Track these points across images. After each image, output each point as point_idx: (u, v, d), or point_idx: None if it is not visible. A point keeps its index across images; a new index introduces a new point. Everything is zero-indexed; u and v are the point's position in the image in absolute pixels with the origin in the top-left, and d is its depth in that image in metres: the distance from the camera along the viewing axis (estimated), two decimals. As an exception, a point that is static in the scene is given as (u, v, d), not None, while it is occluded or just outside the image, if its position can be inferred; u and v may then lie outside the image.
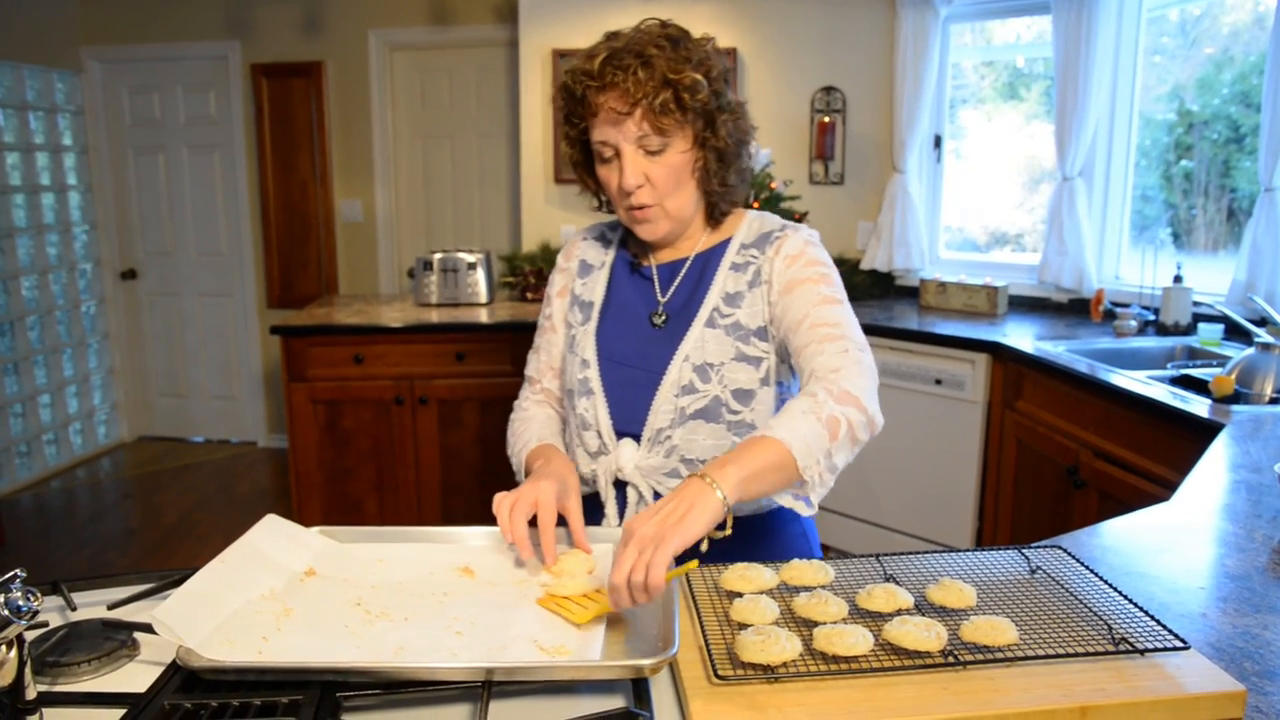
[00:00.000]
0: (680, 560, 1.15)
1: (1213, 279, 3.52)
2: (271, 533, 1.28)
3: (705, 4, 4.39)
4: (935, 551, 1.33)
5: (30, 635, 1.10)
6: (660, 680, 1.06)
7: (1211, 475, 1.83)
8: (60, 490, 5.15)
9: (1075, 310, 3.95)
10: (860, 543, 3.83)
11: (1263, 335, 2.68)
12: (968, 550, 1.33)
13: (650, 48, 1.38)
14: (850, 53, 4.47)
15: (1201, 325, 3.32)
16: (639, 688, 1.00)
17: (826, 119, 4.50)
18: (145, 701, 0.98)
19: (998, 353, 3.40)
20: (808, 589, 1.21)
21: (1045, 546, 1.35)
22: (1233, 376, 2.60)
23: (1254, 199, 3.25)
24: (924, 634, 1.05)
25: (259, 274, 5.61)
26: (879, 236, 4.45)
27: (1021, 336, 3.47)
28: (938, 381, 3.57)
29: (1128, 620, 1.11)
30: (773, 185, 4.01)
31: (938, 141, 4.46)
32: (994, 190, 4.51)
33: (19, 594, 0.90)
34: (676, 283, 1.54)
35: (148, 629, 1.05)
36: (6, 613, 0.87)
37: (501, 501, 1.31)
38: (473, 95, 5.35)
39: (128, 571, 1.33)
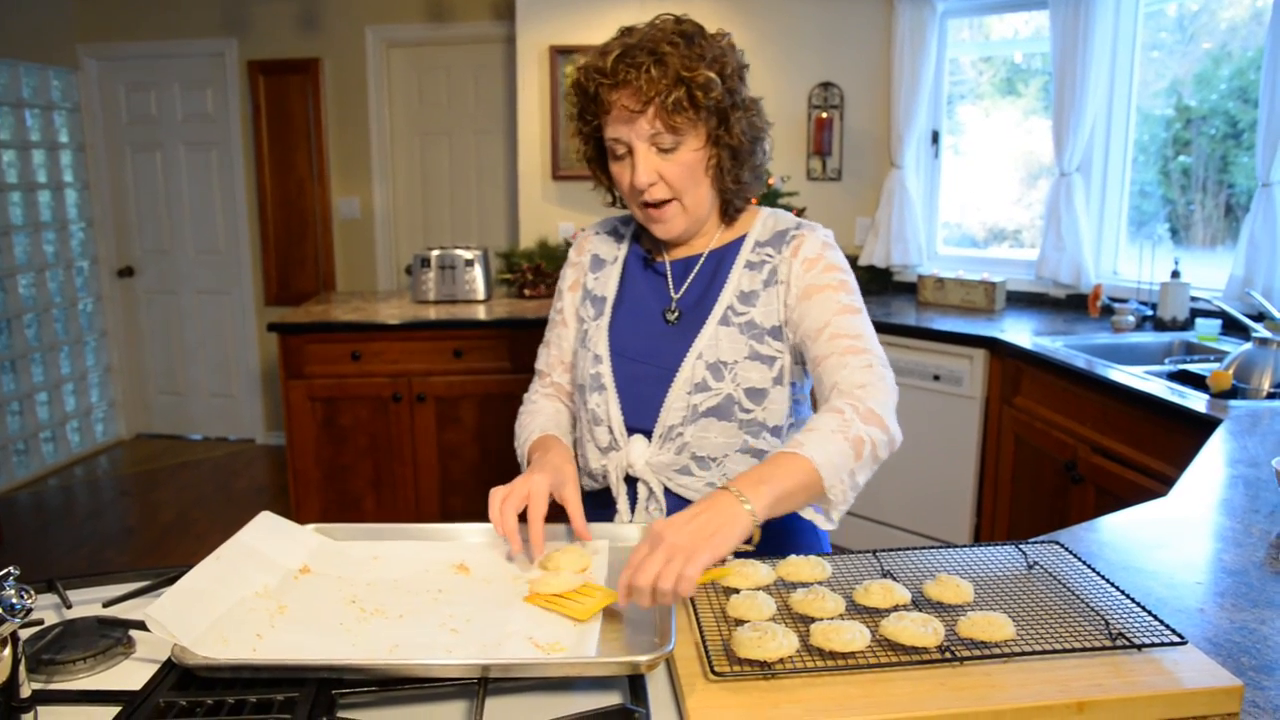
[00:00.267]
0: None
1: (1210, 274, 3.52)
2: (266, 530, 1.28)
3: (703, 0, 4.38)
4: (933, 547, 1.33)
5: (25, 633, 1.10)
6: (657, 676, 1.06)
7: (1209, 470, 1.83)
8: (58, 488, 5.14)
9: (1073, 306, 3.95)
10: (858, 538, 3.83)
11: (1260, 330, 2.68)
12: (965, 546, 1.33)
13: (664, 45, 1.37)
14: (848, 48, 4.47)
15: (1199, 320, 3.32)
16: (635, 684, 1.00)
17: (824, 114, 4.49)
18: (140, 699, 0.97)
19: (995, 348, 3.40)
20: (805, 585, 1.21)
21: (1042, 542, 1.35)
22: (1230, 371, 2.59)
23: (1251, 194, 3.25)
24: (921, 630, 1.05)
25: (256, 271, 5.60)
26: (877, 232, 4.45)
27: (1019, 332, 3.47)
28: (935, 377, 3.57)
29: (1125, 616, 1.11)
30: (770, 181, 4.00)
31: (935, 137, 4.45)
32: (992, 186, 4.51)
33: (12, 592, 0.90)
34: (690, 279, 1.54)
35: (143, 627, 1.04)
36: (0, 611, 0.87)
37: (494, 495, 1.32)
38: (470, 92, 5.34)
39: (123, 569, 1.33)
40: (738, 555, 1.23)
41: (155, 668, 1.05)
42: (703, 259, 1.54)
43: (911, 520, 3.71)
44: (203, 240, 5.69)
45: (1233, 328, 3.17)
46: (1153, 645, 1.04)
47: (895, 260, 4.40)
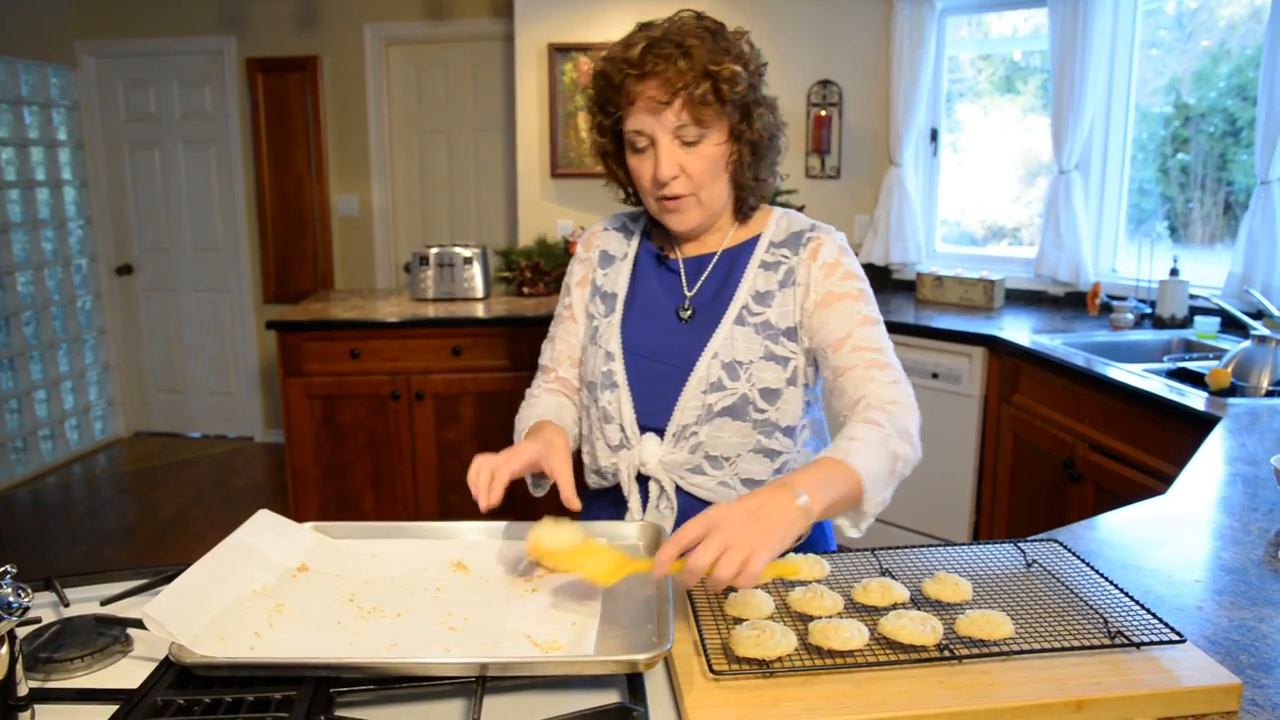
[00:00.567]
0: None
1: (1209, 272, 3.52)
2: (263, 528, 1.27)
3: (701, -3, 4.38)
4: (931, 545, 1.33)
5: (23, 631, 1.10)
6: (655, 675, 1.05)
7: (1208, 468, 1.83)
8: (56, 486, 5.14)
9: (1072, 303, 3.95)
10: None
11: (1259, 328, 2.68)
12: (963, 544, 1.33)
13: (690, 38, 1.37)
14: (846, 46, 4.46)
15: (1198, 318, 3.32)
16: (634, 683, 1.00)
17: (823, 112, 4.49)
18: (138, 698, 0.97)
19: (994, 346, 3.40)
20: (803, 583, 1.21)
21: (1041, 540, 1.35)
22: (1229, 369, 2.59)
23: (1250, 192, 3.25)
24: (919, 628, 1.05)
25: (255, 269, 5.59)
26: (875, 230, 4.44)
27: (1018, 330, 3.47)
28: (934, 375, 3.57)
29: (1123, 614, 1.11)
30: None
31: (934, 135, 4.45)
32: (991, 184, 4.51)
33: (9, 590, 0.90)
34: (704, 277, 1.53)
35: (141, 625, 1.04)
36: (-4, 609, 0.87)
37: (478, 457, 1.34)
38: (469, 90, 5.34)
39: (122, 567, 1.33)
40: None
41: (153, 666, 1.05)
42: (716, 257, 1.53)
43: (910, 518, 3.71)
44: (201, 238, 5.69)
45: (1231, 325, 3.17)
46: (1151, 643, 1.04)
47: (894, 258, 4.39)
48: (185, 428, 5.95)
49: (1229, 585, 1.29)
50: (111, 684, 1.03)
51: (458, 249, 4.21)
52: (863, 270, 1.51)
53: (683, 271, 1.55)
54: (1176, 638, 1.05)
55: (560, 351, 1.64)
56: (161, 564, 1.30)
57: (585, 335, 1.60)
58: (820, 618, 1.10)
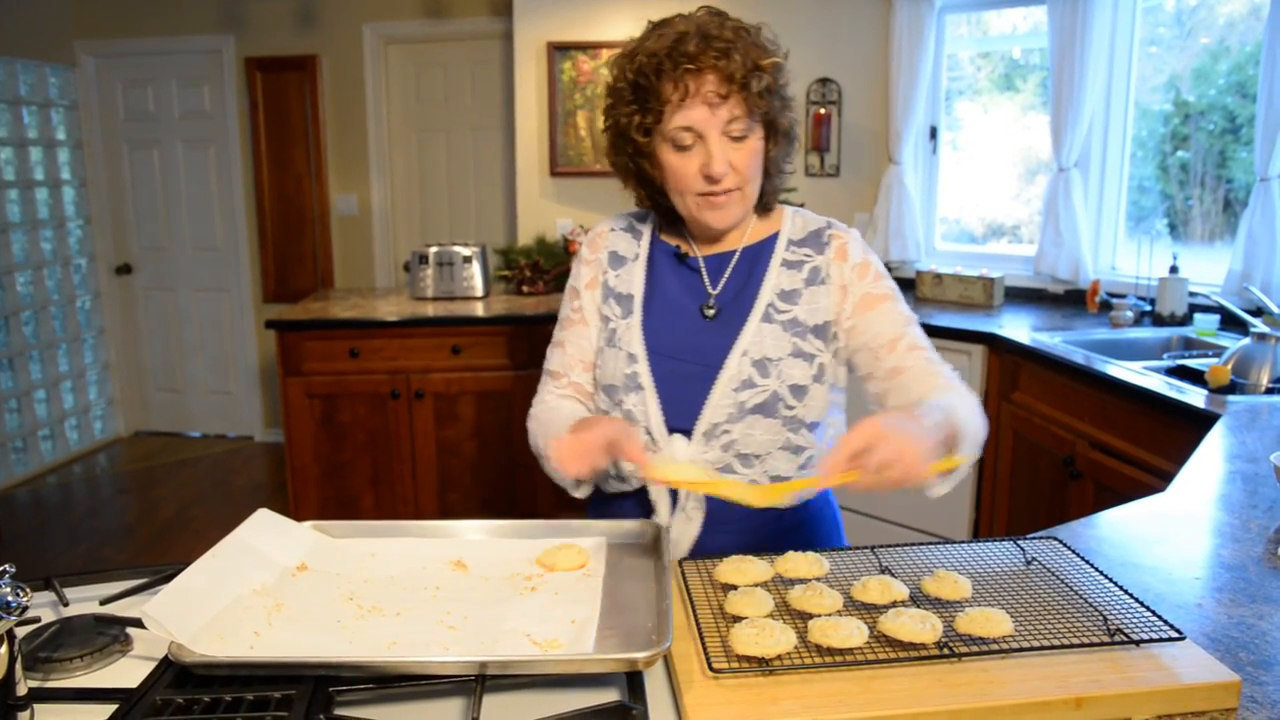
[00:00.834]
0: None
1: (1209, 269, 3.52)
2: (263, 528, 1.27)
3: (700, -5, 4.38)
4: (931, 543, 1.33)
5: (22, 631, 1.09)
6: (655, 673, 1.05)
7: (1207, 465, 1.83)
8: (56, 486, 5.14)
9: (1071, 301, 3.95)
10: (856, 534, 3.83)
11: (1258, 325, 2.68)
12: (963, 542, 1.33)
13: (728, 33, 1.37)
14: (845, 44, 4.46)
15: (1197, 316, 3.32)
16: (633, 681, 1.00)
17: (822, 110, 4.49)
18: (137, 697, 0.97)
19: (994, 344, 3.40)
20: (803, 581, 1.21)
21: (1041, 538, 1.35)
22: (1229, 367, 2.59)
23: (1250, 189, 3.25)
24: (919, 626, 1.05)
25: (254, 268, 5.59)
26: (875, 228, 4.44)
27: (1018, 328, 3.46)
28: (934, 373, 3.56)
29: (1123, 611, 1.11)
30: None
31: (934, 133, 4.45)
32: (990, 181, 4.51)
33: (8, 589, 0.90)
34: (726, 275, 1.52)
35: (140, 624, 1.04)
36: (-5, 609, 0.86)
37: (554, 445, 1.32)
38: (468, 89, 5.34)
39: (122, 567, 1.33)
40: (766, 530, 1.27)
41: (152, 665, 1.05)
42: (737, 255, 1.53)
43: (909, 516, 3.71)
44: (201, 237, 5.69)
45: (1231, 323, 3.17)
46: (1151, 641, 1.04)
47: (893, 256, 4.39)
48: (185, 427, 5.95)
49: (1228, 582, 1.29)
50: (111, 683, 1.03)
51: (457, 248, 4.21)
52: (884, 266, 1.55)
53: (704, 269, 1.53)
54: (1176, 635, 1.05)
55: (572, 356, 1.59)
56: (161, 563, 1.29)
57: (600, 338, 1.56)
58: (820, 616, 1.10)
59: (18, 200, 5.09)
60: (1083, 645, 1.04)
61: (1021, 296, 4.11)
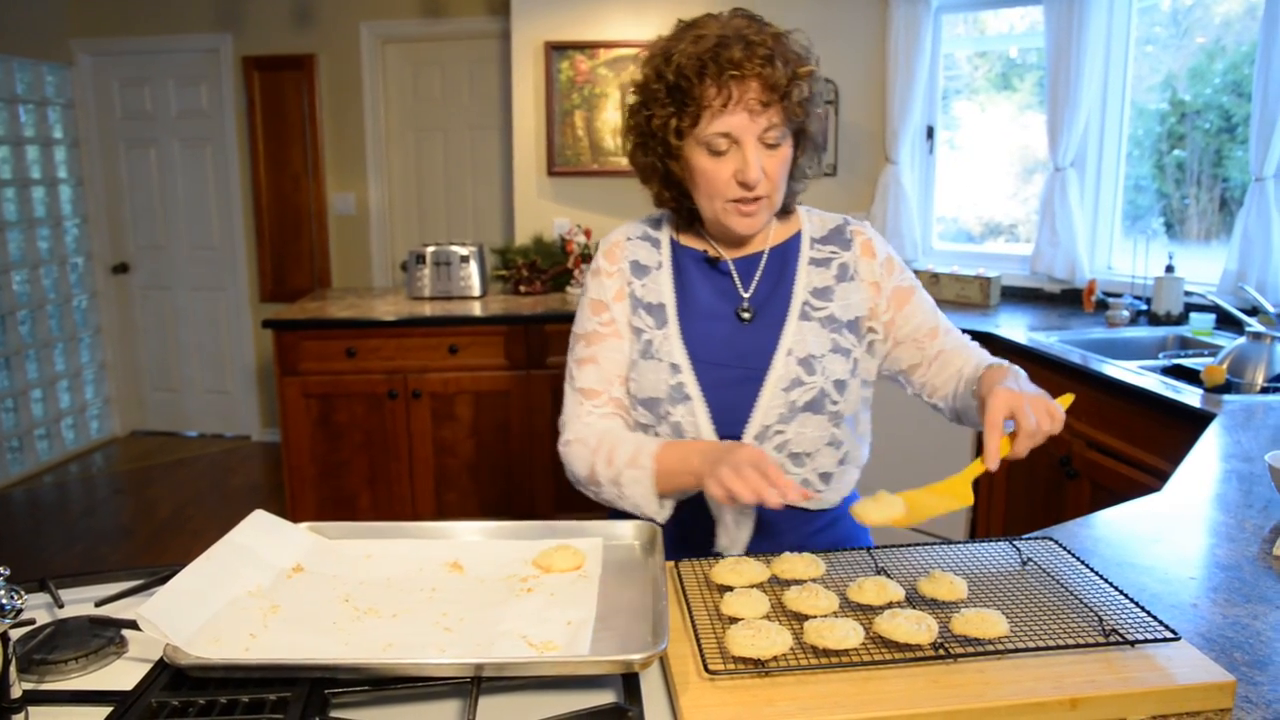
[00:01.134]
0: None
1: (1204, 269, 3.52)
2: (259, 529, 1.27)
3: (697, -5, 4.38)
4: (927, 544, 1.33)
5: (16, 633, 1.09)
6: (650, 675, 1.05)
7: (1203, 465, 1.83)
8: (52, 485, 5.13)
9: (1068, 301, 3.96)
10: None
11: (1254, 325, 2.68)
12: (959, 542, 1.33)
13: (769, 40, 1.37)
14: (842, 44, 4.46)
15: (1193, 315, 3.33)
16: (629, 682, 1.00)
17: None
18: (132, 699, 0.97)
19: (991, 344, 3.39)
20: (798, 582, 1.21)
21: (1036, 538, 1.35)
22: (1224, 366, 2.60)
23: (1246, 188, 3.25)
24: (914, 627, 1.05)
25: (251, 268, 5.59)
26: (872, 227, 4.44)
27: (1014, 327, 3.47)
28: (931, 373, 3.57)
29: (1118, 611, 1.11)
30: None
31: (930, 132, 4.45)
32: (987, 181, 4.51)
33: (3, 591, 0.89)
34: (757, 277, 1.52)
35: (135, 626, 1.04)
36: (-10, 611, 0.86)
37: (745, 472, 1.21)
38: (465, 88, 5.33)
39: (115, 568, 1.33)
40: (789, 529, 1.29)
41: (147, 667, 1.05)
42: (765, 256, 1.53)
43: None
44: (197, 236, 5.68)
45: (1227, 322, 3.17)
46: (1146, 641, 1.04)
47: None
48: (181, 427, 5.94)
49: (1224, 582, 1.29)
50: (106, 685, 1.03)
51: (454, 247, 4.21)
52: None
53: (734, 272, 1.53)
54: (1171, 635, 1.05)
55: (608, 371, 1.52)
56: (158, 564, 1.30)
57: (634, 350, 1.51)
58: (815, 617, 1.10)
59: (14, 199, 5.09)
60: (1078, 646, 1.04)
61: (1018, 296, 4.12)
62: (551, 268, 4.37)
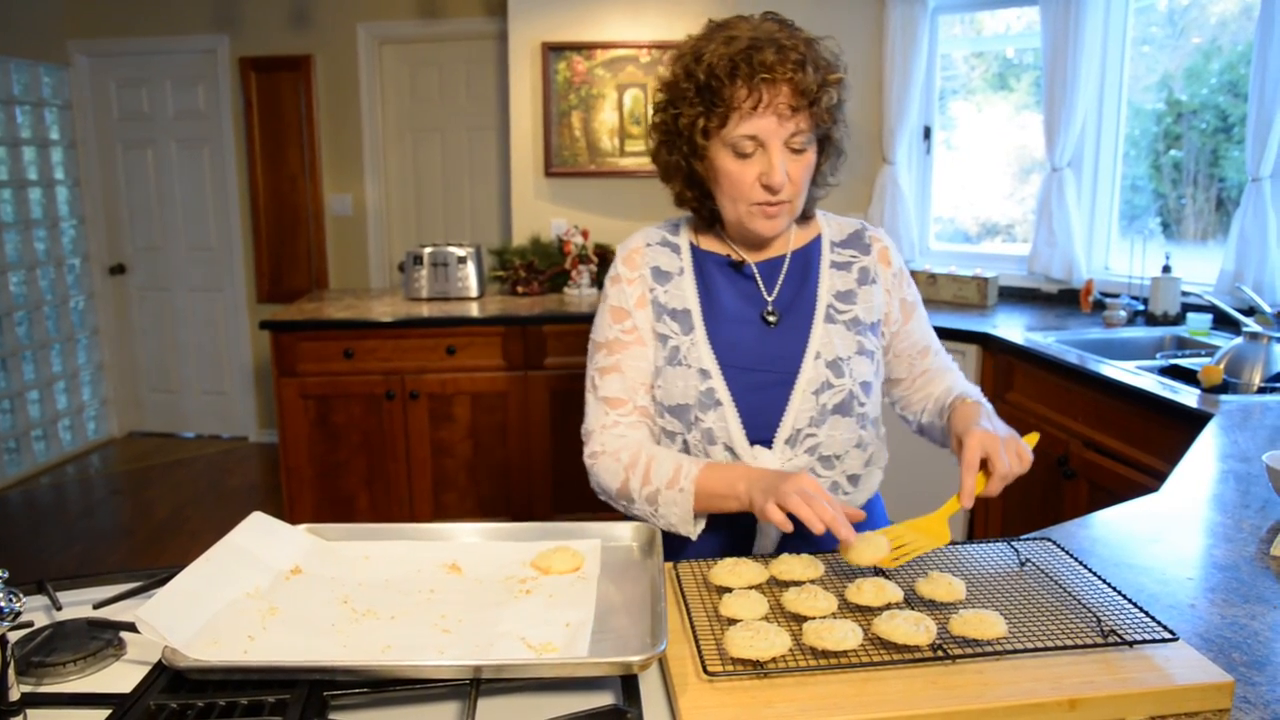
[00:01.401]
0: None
1: (1201, 269, 3.53)
2: (257, 531, 1.27)
3: (694, -5, 4.38)
4: (925, 544, 1.33)
5: (14, 635, 1.09)
6: (649, 676, 1.05)
7: (1200, 465, 1.84)
8: (50, 487, 5.12)
9: (1065, 301, 3.96)
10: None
11: (1251, 325, 2.68)
12: (957, 543, 1.33)
13: (801, 45, 1.38)
14: (839, 44, 4.45)
15: (1190, 315, 3.33)
16: (628, 684, 1.00)
17: (817, 110, 4.48)
18: (131, 702, 0.97)
19: (988, 344, 3.41)
20: (797, 584, 1.21)
21: (1034, 539, 1.35)
22: (1221, 366, 2.60)
23: (1242, 188, 3.25)
24: (913, 628, 1.05)
25: (248, 268, 5.58)
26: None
27: (1012, 327, 3.47)
28: (928, 373, 3.57)
29: (1116, 612, 1.11)
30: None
31: (927, 133, 4.45)
32: (984, 181, 4.51)
33: (0, 594, 0.89)
34: (780, 280, 1.52)
35: (133, 628, 1.04)
36: (-12, 614, 0.86)
37: (794, 502, 1.21)
38: (462, 89, 5.33)
39: (114, 570, 1.33)
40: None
41: (146, 670, 1.05)
42: (788, 259, 1.53)
43: (904, 517, 3.70)
44: (195, 237, 5.67)
45: (1224, 322, 3.18)
46: (1144, 641, 1.04)
47: (888, 256, 4.39)
48: (179, 428, 5.93)
49: (1221, 582, 1.29)
50: (104, 688, 1.03)
51: (452, 248, 4.21)
52: None
53: (758, 276, 1.52)
54: (1169, 636, 1.05)
55: (633, 380, 1.50)
56: (156, 565, 1.30)
57: (659, 357, 1.50)
58: (814, 618, 1.10)
59: (11, 200, 5.08)
60: (1076, 646, 1.04)
61: (1015, 296, 4.12)
62: (549, 268, 4.37)
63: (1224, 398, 2.38)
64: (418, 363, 3.89)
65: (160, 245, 5.72)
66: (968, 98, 4.54)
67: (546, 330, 3.91)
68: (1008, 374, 3.29)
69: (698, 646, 1.05)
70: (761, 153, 1.38)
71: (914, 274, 4.18)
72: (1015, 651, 1.04)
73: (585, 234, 4.34)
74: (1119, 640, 1.04)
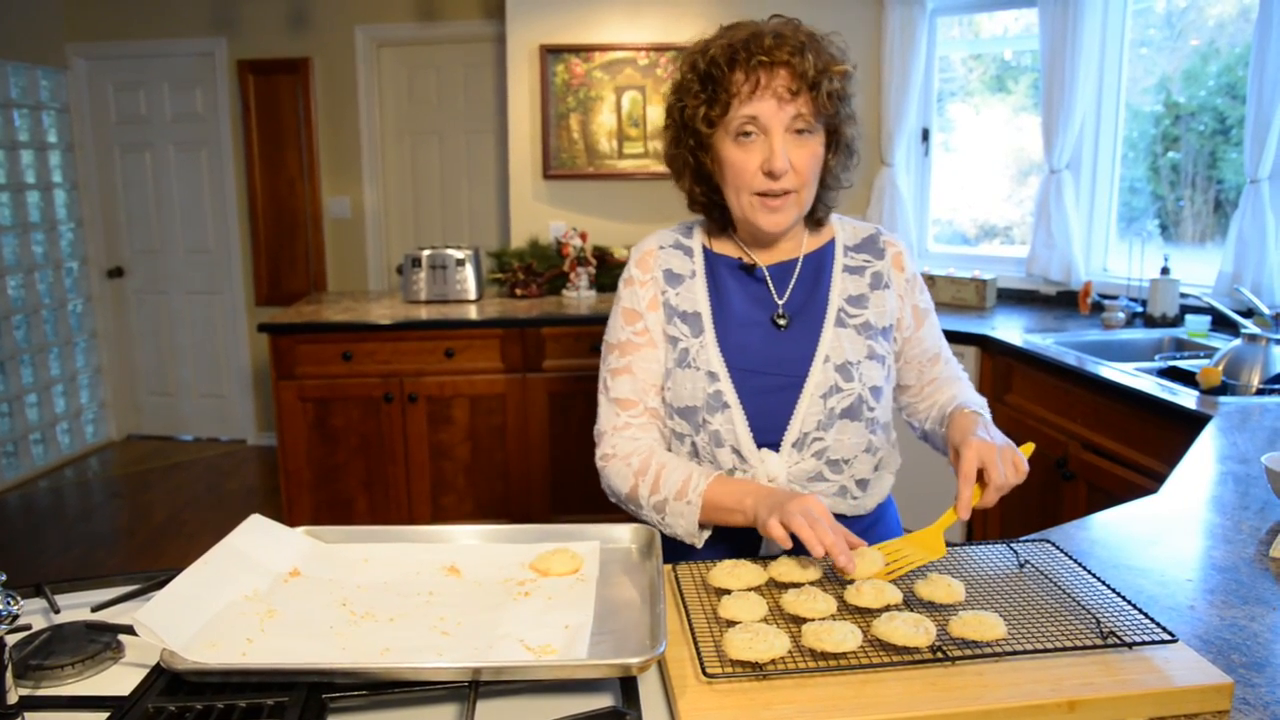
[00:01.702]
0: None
1: (1200, 270, 3.53)
2: (255, 533, 1.27)
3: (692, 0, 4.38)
4: (924, 546, 1.33)
5: (12, 639, 1.09)
6: (648, 678, 1.05)
7: (1199, 467, 1.84)
8: (48, 490, 5.12)
9: (1063, 303, 3.96)
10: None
11: (1249, 326, 2.69)
12: (956, 545, 1.33)
13: (803, 36, 1.39)
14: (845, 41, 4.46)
15: (1189, 317, 3.33)
16: (627, 686, 1.00)
17: (815, 113, 4.49)
18: (129, 704, 0.97)
19: (987, 346, 3.41)
20: (796, 585, 1.21)
21: (1034, 540, 1.35)
22: (1220, 368, 2.60)
23: (1240, 190, 3.26)
24: (912, 630, 1.05)
25: (247, 271, 5.58)
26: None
27: (1010, 329, 3.47)
28: (927, 375, 3.57)
29: (1116, 614, 1.11)
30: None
31: (926, 134, 4.46)
32: (982, 183, 4.52)
33: (-1, 598, 0.89)
34: (792, 284, 1.52)
35: (132, 631, 1.04)
36: (-14, 617, 0.86)
37: (797, 524, 1.21)
38: (460, 91, 5.33)
39: (112, 573, 1.32)
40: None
41: (144, 673, 1.05)
42: (800, 263, 1.53)
43: (904, 518, 3.70)
44: (193, 240, 5.67)
45: (1222, 324, 3.18)
46: (1143, 643, 1.04)
47: (886, 258, 4.39)
48: (177, 431, 5.93)
49: (1220, 584, 1.29)
50: (102, 691, 1.03)
51: (450, 251, 4.21)
52: None
53: (769, 279, 1.52)
54: (1168, 637, 1.05)
55: (643, 381, 1.51)
56: (154, 568, 1.29)
57: (669, 359, 1.51)
58: (813, 620, 1.10)
59: (9, 203, 5.07)
60: (1076, 648, 1.04)
61: (1014, 298, 4.13)
62: (547, 271, 4.37)
63: (1223, 399, 2.38)
64: (416, 365, 3.89)
65: (158, 248, 5.72)
66: (966, 100, 4.55)
67: (545, 333, 3.91)
68: (1006, 376, 3.30)
69: (697, 648, 1.05)
70: (763, 139, 1.39)
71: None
72: (1014, 653, 1.04)
73: (584, 236, 4.34)
74: (1118, 642, 1.04)
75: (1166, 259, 3.50)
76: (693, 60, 1.44)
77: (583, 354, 3.91)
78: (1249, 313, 2.93)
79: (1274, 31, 3.02)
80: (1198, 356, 2.94)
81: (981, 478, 1.29)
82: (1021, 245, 4.34)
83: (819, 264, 1.53)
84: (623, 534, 1.37)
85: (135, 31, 5.40)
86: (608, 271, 4.35)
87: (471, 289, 4.22)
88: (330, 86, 5.32)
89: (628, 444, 1.50)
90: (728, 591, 1.20)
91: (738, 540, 1.46)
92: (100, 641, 1.11)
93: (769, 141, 1.38)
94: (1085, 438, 2.80)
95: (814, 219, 1.53)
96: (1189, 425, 2.26)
